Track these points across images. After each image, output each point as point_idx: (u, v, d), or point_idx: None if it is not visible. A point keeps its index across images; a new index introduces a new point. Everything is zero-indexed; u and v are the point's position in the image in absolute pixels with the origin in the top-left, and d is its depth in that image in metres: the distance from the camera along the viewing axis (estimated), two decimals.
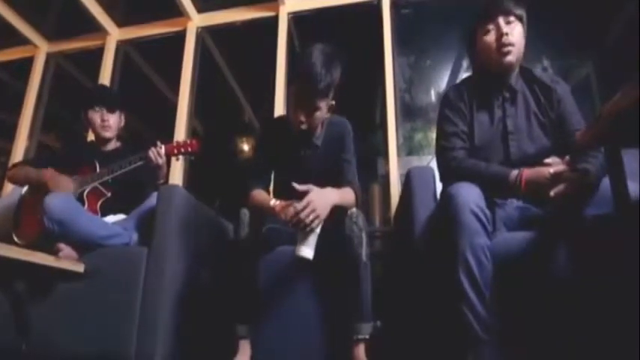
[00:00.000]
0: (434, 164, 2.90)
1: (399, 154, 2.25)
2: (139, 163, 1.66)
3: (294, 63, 1.36)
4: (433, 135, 3.97)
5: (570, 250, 1.06)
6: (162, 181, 1.75)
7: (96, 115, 1.79)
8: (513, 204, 1.23)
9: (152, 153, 1.62)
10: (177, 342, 1.39)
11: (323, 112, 1.33)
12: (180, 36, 2.75)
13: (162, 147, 1.66)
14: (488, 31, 1.28)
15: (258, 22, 2.69)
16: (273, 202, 1.22)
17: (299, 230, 1.15)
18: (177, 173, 2.41)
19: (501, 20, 1.26)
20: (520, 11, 1.27)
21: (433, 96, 3.86)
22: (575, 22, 2.64)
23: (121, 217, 1.73)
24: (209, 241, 1.77)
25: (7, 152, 2.85)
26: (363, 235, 1.23)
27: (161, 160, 1.64)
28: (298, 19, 2.68)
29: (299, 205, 1.13)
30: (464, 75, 3.45)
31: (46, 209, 1.38)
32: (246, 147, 4.24)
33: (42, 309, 1.35)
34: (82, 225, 1.44)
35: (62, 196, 1.44)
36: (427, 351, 1.18)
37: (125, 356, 1.31)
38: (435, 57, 3.55)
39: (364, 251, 1.22)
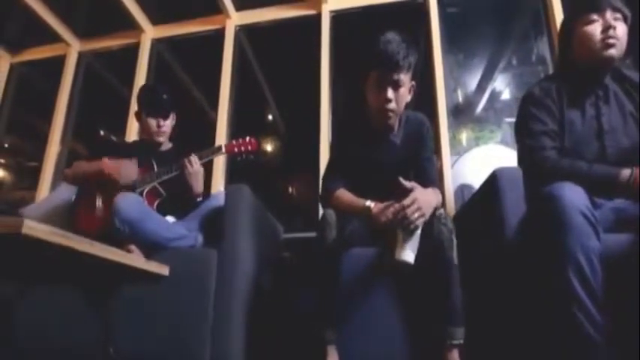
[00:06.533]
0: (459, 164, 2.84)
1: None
2: None
3: (367, 51, 1.33)
4: (462, 136, 3.89)
5: None
6: (200, 191, 1.66)
7: (152, 122, 1.74)
8: (608, 205, 1.20)
9: (187, 162, 1.58)
10: (252, 344, 1.36)
11: (406, 90, 1.32)
12: (216, 35, 2.70)
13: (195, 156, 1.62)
14: (592, 22, 1.24)
15: (295, 21, 2.65)
16: (368, 202, 1.18)
17: (400, 230, 1.12)
18: (219, 174, 2.37)
19: (609, 14, 1.23)
20: (627, 11, 1.25)
21: (460, 96, 3.83)
22: None
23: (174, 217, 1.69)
24: (268, 242, 1.73)
25: (38, 157, 2.75)
26: (453, 237, 1.20)
27: (196, 167, 1.59)
28: (336, 18, 2.64)
29: (406, 202, 1.10)
30: (498, 76, 3.44)
31: (117, 210, 1.34)
32: (269, 148, 4.20)
33: (116, 310, 1.32)
34: (152, 226, 1.41)
35: (132, 197, 1.41)
36: (527, 355, 1.14)
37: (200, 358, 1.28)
38: (464, 57, 3.52)
39: (454, 254, 1.19)
